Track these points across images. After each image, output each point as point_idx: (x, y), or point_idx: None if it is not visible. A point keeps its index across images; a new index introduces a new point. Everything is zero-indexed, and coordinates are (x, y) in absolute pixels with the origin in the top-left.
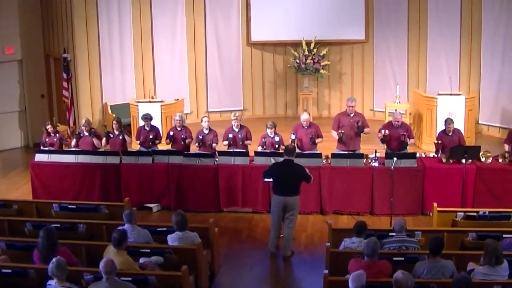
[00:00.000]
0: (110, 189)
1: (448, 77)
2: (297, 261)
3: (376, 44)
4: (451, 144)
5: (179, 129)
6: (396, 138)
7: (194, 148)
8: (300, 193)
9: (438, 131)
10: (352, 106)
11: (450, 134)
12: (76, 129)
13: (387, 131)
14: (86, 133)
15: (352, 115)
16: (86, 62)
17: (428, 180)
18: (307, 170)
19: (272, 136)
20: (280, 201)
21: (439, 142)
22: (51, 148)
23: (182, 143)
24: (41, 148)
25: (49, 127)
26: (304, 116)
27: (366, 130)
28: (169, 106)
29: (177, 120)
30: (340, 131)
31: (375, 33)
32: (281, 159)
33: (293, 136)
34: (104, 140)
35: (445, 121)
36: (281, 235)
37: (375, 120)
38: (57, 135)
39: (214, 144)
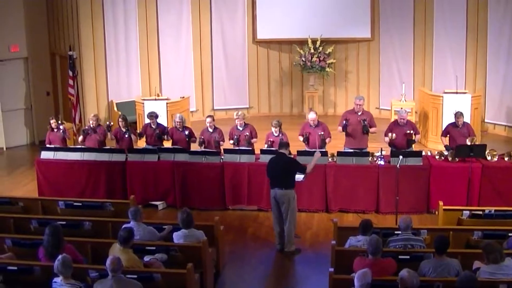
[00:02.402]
0: (115, 186)
1: (454, 75)
2: (302, 259)
3: (382, 43)
4: (461, 136)
5: (180, 130)
6: (402, 136)
7: (196, 147)
8: (295, 187)
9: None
10: (360, 105)
11: (460, 127)
12: (82, 126)
13: (394, 135)
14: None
15: (359, 113)
16: (92, 60)
17: (433, 178)
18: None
19: (276, 134)
20: (272, 193)
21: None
22: (56, 146)
23: (187, 139)
24: (45, 145)
25: (53, 121)
26: (311, 116)
27: (373, 129)
28: (174, 104)
29: (177, 121)
30: (344, 122)
31: (381, 32)
32: None
33: (301, 138)
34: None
35: (455, 115)
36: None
37: (381, 118)
38: (60, 128)
39: (221, 142)
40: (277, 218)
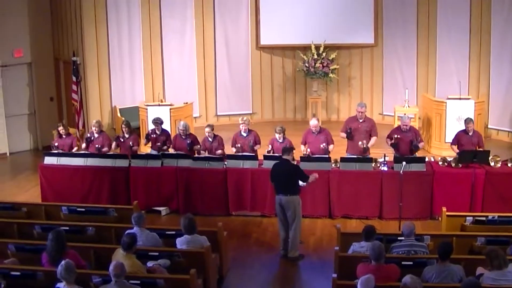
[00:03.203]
0: (118, 192)
1: (457, 80)
2: (306, 265)
3: (385, 48)
4: (470, 144)
5: (183, 137)
6: (405, 142)
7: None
8: (300, 193)
9: (447, 136)
10: (362, 112)
11: (470, 134)
12: (86, 132)
13: (397, 135)
14: (96, 135)
15: (361, 120)
16: (95, 65)
17: (437, 184)
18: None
19: (280, 141)
20: (277, 200)
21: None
22: (60, 151)
23: (188, 148)
24: (51, 150)
25: (60, 128)
26: (313, 122)
27: (371, 143)
28: (178, 110)
29: (181, 130)
30: (348, 131)
31: (384, 37)
32: None
33: (302, 147)
34: (114, 144)
35: (465, 121)
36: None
37: (384, 124)
38: (70, 134)
39: (219, 151)
40: (283, 224)
